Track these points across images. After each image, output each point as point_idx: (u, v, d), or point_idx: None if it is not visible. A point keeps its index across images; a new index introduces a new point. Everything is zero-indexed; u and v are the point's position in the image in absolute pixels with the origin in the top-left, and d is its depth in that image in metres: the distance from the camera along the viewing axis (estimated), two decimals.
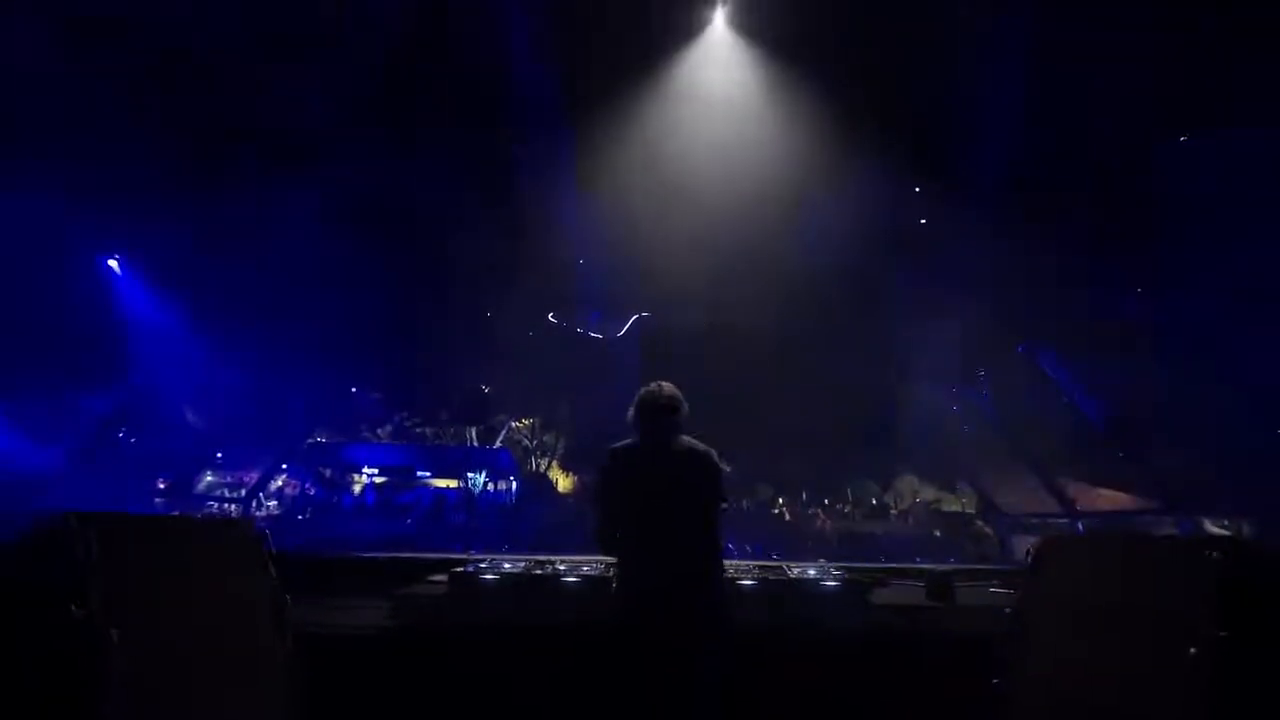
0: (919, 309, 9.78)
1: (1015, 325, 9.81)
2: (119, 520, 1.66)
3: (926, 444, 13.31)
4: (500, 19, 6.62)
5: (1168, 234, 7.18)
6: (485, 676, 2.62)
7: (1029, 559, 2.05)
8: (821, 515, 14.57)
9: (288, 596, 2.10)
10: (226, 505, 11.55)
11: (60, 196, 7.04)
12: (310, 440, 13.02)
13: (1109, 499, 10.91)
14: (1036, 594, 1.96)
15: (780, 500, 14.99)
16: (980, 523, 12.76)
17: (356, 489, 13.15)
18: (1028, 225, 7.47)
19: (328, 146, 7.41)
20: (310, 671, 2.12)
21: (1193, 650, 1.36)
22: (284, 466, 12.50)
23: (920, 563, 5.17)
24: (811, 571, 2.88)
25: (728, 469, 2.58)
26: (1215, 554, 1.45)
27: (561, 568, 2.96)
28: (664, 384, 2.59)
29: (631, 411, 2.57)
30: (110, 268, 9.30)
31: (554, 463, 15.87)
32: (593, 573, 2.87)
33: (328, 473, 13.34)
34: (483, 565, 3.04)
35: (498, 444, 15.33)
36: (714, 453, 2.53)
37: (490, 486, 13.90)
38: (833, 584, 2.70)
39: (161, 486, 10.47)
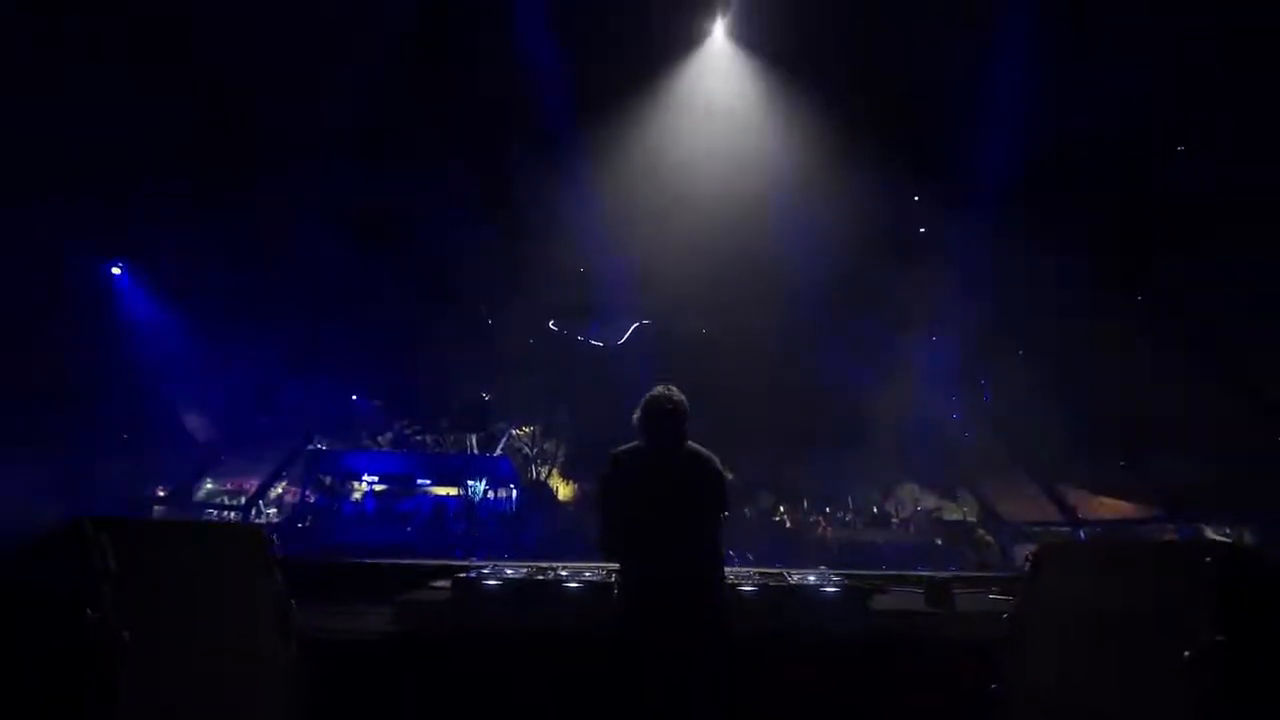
0: (919, 316, 9.82)
1: (1015, 330, 9.83)
2: (131, 524, 1.68)
3: (927, 451, 13.30)
4: (504, 29, 6.69)
5: (1167, 237, 7.22)
6: (488, 681, 2.63)
7: (1027, 565, 2.07)
8: (823, 523, 14.53)
9: (293, 601, 2.12)
10: (226, 513, 11.52)
11: (64, 203, 7.08)
12: (310, 447, 13.00)
13: (1110, 506, 10.90)
14: (1035, 600, 1.98)
15: (781, 508, 14.96)
16: (982, 531, 12.73)
17: (356, 496, 13.12)
18: (1026, 230, 7.53)
19: (330, 155, 7.47)
20: (315, 676, 2.13)
21: (1188, 655, 1.38)
22: (284, 474, 12.47)
23: (921, 570, 5.18)
24: (811, 578, 2.89)
25: (730, 476, 2.58)
26: (1211, 559, 1.47)
27: (564, 573, 2.97)
28: (671, 387, 2.59)
29: (638, 414, 2.56)
30: (114, 275, 9.34)
31: (554, 471, 15.84)
32: (595, 578, 2.87)
33: (328, 480, 13.30)
34: (485, 571, 3.05)
35: (498, 452, 15.31)
36: (717, 459, 2.53)
37: (490, 494, 13.86)
38: (832, 590, 2.71)
39: (161, 494, 10.45)
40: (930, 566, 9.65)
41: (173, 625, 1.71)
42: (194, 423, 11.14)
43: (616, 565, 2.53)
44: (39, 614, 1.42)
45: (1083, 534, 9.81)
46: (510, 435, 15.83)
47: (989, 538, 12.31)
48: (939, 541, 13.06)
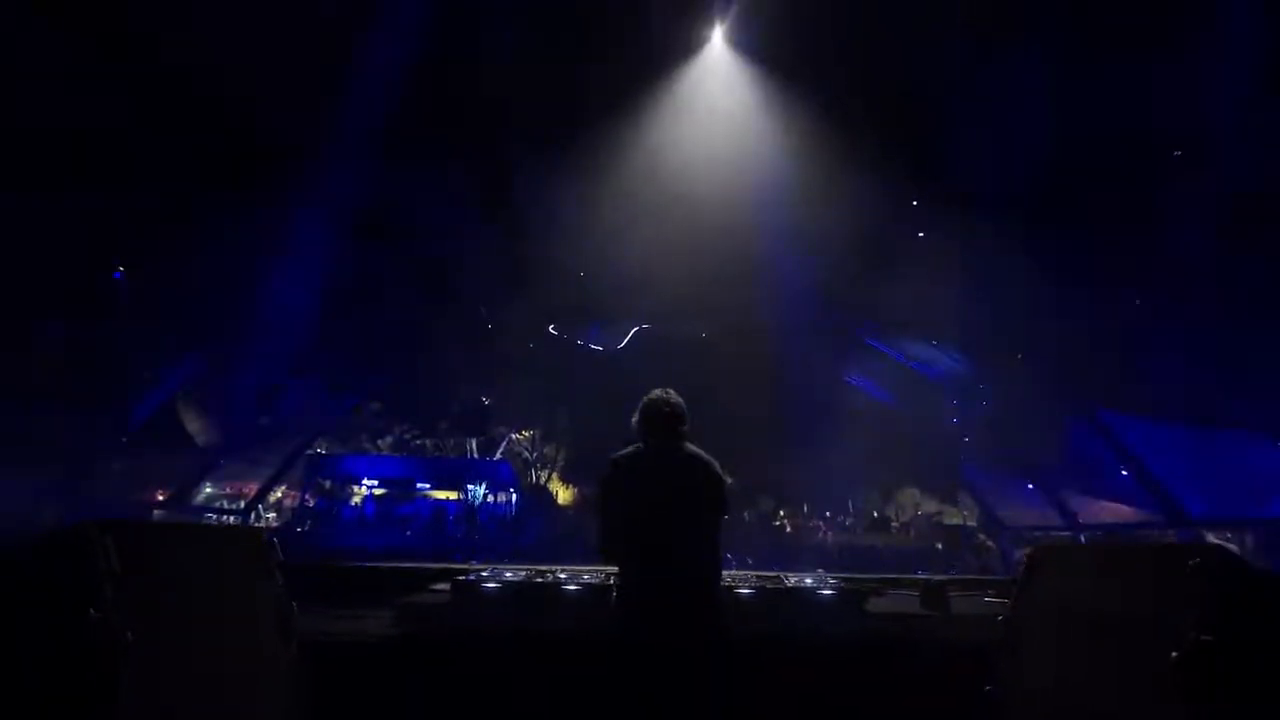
0: (918, 319, 9.85)
1: (1015, 335, 9.85)
2: (133, 526, 1.71)
3: (927, 452, 13.31)
4: (503, 36, 6.74)
5: (1166, 240, 7.25)
6: (488, 684, 2.64)
7: (1021, 567, 2.09)
8: (823, 527, 14.54)
9: (294, 604, 2.13)
10: (225, 517, 11.52)
11: (67, 207, 7.12)
12: (310, 451, 13.03)
13: (1110, 511, 10.90)
14: (1028, 602, 2.00)
15: (781, 512, 14.97)
16: (982, 536, 12.73)
17: (356, 500, 13.14)
18: (1026, 233, 7.56)
19: (330, 159, 7.51)
20: (315, 678, 2.15)
21: (1175, 656, 1.40)
22: (283, 478, 12.49)
23: (920, 574, 5.19)
24: (809, 581, 2.91)
25: (730, 480, 2.60)
26: (1198, 561, 1.49)
27: (562, 576, 2.99)
28: (669, 390, 2.60)
29: (635, 417, 2.57)
30: (115, 277, 9.36)
31: (554, 474, 15.86)
32: (593, 581, 2.89)
33: (327, 484, 13.32)
34: (484, 574, 3.07)
35: (498, 456, 15.33)
36: (715, 462, 2.54)
37: (490, 498, 13.88)
38: (829, 593, 2.72)
39: (160, 498, 10.45)
40: (930, 570, 9.65)
41: (174, 626, 1.72)
42: (194, 426, 11.15)
43: (615, 568, 2.54)
44: (41, 614, 1.44)
45: (1083, 538, 9.82)
46: (510, 439, 15.85)
47: (989, 542, 12.31)
48: (939, 546, 13.06)
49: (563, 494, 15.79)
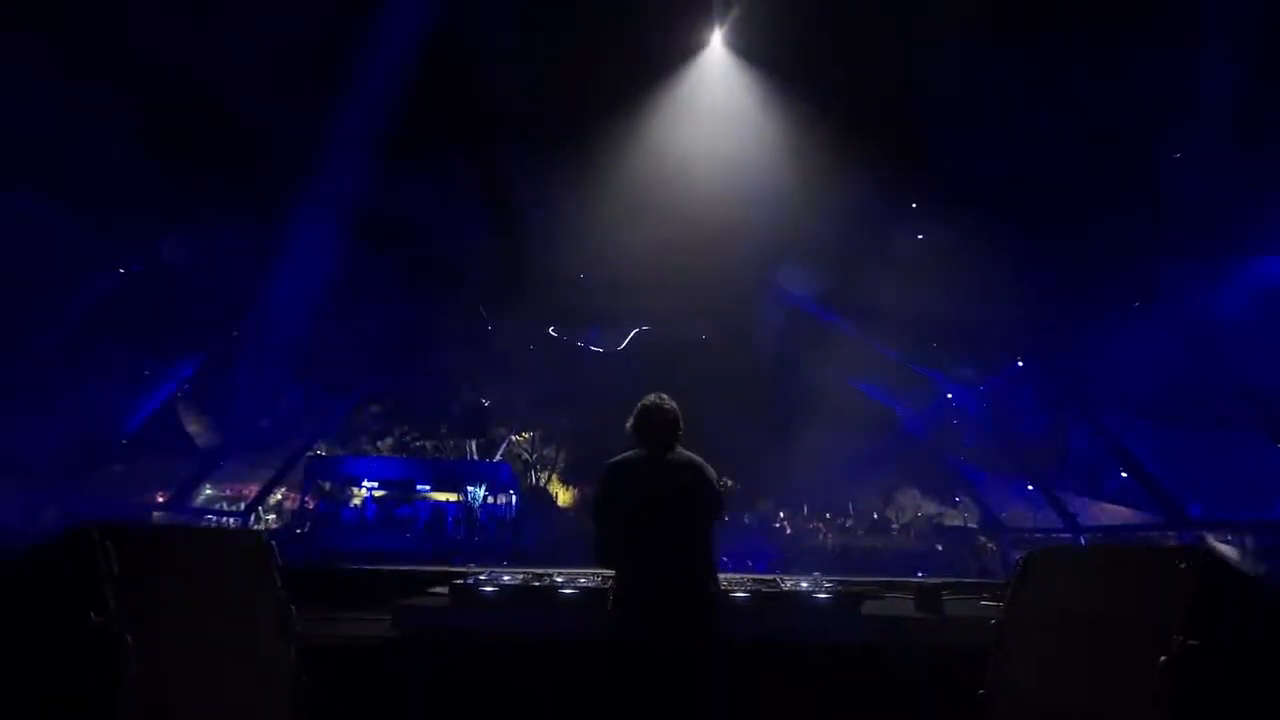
0: (917, 322, 9.85)
1: (1013, 336, 9.86)
2: (135, 530, 1.72)
3: (926, 456, 13.31)
4: (503, 38, 6.76)
5: (1165, 242, 7.26)
6: (485, 686, 2.65)
7: (1015, 571, 2.10)
8: (823, 529, 14.54)
9: (293, 606, 2.15)
10: (225, 519, 11.53)
11: (68, 209, 7.15)
12: (310, 453, 13.04)
13: (1110, 512, 10.91)
14: (1021, 605, 2.01)
15: (781, 514, 14.97)
16: (982, 537, 12.73)
17: (356, 502, 13.15)
18: (1024, 235, 7.57)
19: (331, 162, 7.53)
20: (314, 680, 2.16)
21: (1163, 660, 1.42)
22: (283, 480, 12.50)
23: (922, 576, 5.20)
24: (804, 584, 2.93)
25: (730, 483, 2.61)
26: (1186, 565, 1.51)
27: (559, 579, 3.01)
28: (663, 396, 2.63)
29: (630, 422, 2.60)
30: (115, 279, 9.38)
31: (554, 476, 15.87)
32: (590, 584, 2.91)
33: (327, 486, 13.33)
34: (482, 577, 3.09)
35: (498, 457, 15.35)
36: (709, 466, 2.57)
37: (490, 500, 13.89)
38: (824, 596, 2.74)
39: (160, 500, 10.47)
40: (930, 572, 9.64)
41: (174, 630, 1.74)
42: (194, 427, 11.17)
43: (611, 572, 2.56)
44: (42, 618, 1.46)
45: (1083, 539, 9.82)
46: (510, 441, 15.87)
47: (989, 544, 12.31)
48: (939, 547, 13.05)
49: (562, 496, 15.80)
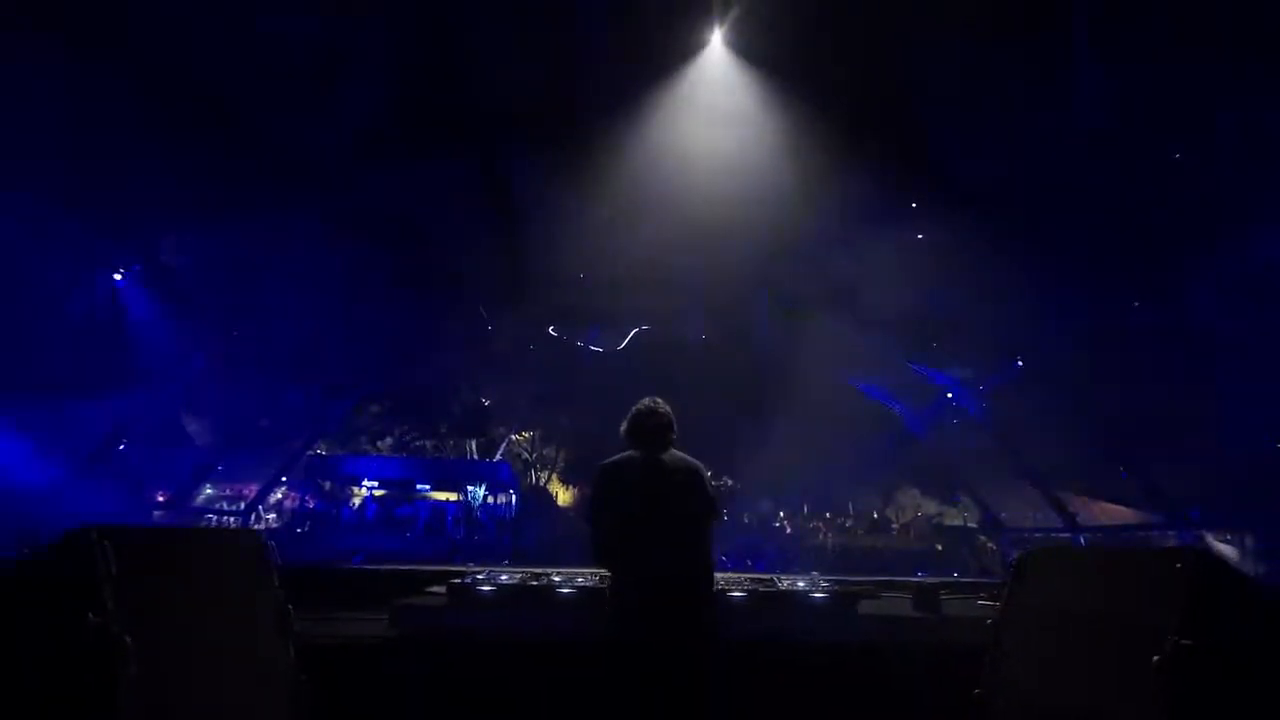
0: (917, 321, 9.85)
1: (1014, 336, 9.85)
2: (134, 532, 1.73)
3: (926, 455, 13.31)
4: (502, 40, 6.75)
5: (1165, 242, 7.26)
6: (483, 686, 2.66)
7: (1010, 571, 2.11)
8: (823, 528, 14.55)
9: (291, 606, 2.16)
10: (225, 518, 11.54)
11: (67, 208, 7.15)
12: (310, 453, 13.05)
13: (1111, 512, 10.91)
14: (1017, 605, 2.02)
15: (781, 513, 14.97)
16: (983, 537, 12.73)
17: (356, 502, 13.17)
18: (1025, 234, 7.56)
19: (331, 162, 7.53)
20: (313, 680, 2.17)
21: (1156, 659, 1.42)
22: (283, 479, 12.51)
23: (922, 575, 5.21)
24: (801, 584, 2.93)
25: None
26: (1181, 565, 1.51)
27: (557, 579, 3.01)
28: (657, 400, 2.65)
29: (624, 426, 2.62)
30: (115, 280, 9.40)
31: (554, 475, 15.88)
32: (588, 583, 2.91)
33: (327, 485, 13.35)
34: (480, 577, 3.09)
35: (497, 457, 15.36)
36: (704, 467, 2.58)
37: (490, 499, 13.90)
38: (821, 596, 2.74)
39: (161, 499, 10.49)
40: (930, 571, 9.66)
41: (173, 630, 1.75)
42: (194, 427, 11.18)
43: (608, 572, 2.57)
44: (41, 618, 1.47)
45: (1083, 539, 9.82)
46: (510, 440, 15.88)
47: (990, 543, 12.31)
48: (939, 547, 13.06)
49: (562, 495, 15.81)
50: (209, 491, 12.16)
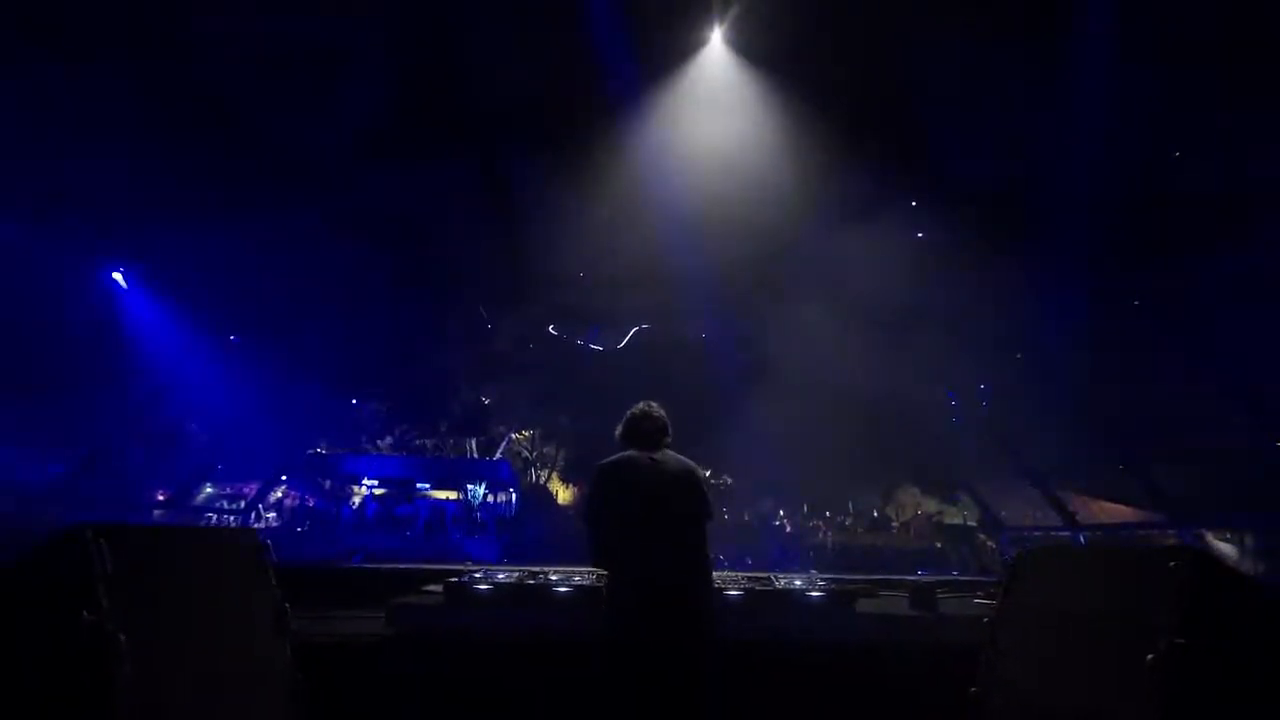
0: (917, 320, 9.84)
1: (1015, 336, 9.85)
2: (130, 531, 1.73)
3: (927, 456, 13.29)
4: (502, 40, 6.75)
5: (1164, 242, 7.25)
6: (480, 685, 2.67)
7: (1006, 570, 2.10)
8: (822, 526, 14.56)
9: (287, 605, 2.16)
10: (225, 517, 11.55)
11: (66, 208, 7.16)
12: (310, 452, 13.07)
13: (1111, 511, 10.90)
14: (1013, 604, 2.02)
15: (781, 512, 14.98)
16: (983, 535, 12.72)
17: (356, 501, 13.19)
18: (1024, 234, 7.56)
19: (331, 162, 7.53)
20: (309, 679, 2.18)
21: (1151, 658, 1.42)
22: (284, 478, 12.53)
23: (922, 574, 5.21)
24: (798, 582, 2.93)
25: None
26: (1176, 564, 1.51)
27: (554, 578, 3.02)
28: (652, 404, 2.67)
29: (620, 430, 2.64)
30: (115, 280, 9.41)
31: (554, 474, 15.90)
32: (584, 582, 2.92)
33: (327, 484, 13.37)
34: (476, 575, 3.10)
35: (498, 456, 15.37)
36: (699, 468, 2.60)
37: (490, 498, 13.92)
38: (818, 595, 2.74)
39: (161, 498, 10.50)
40: (930, 570, 9.65)
41: (169, 628, 1.75)
42: (194, 426, 11.19)
43: (605, 570, 2.58)
44: (35, 617, 1.47)
45: (1082, 538, 9.81)
46: (510, 439, 15.89)
47: (990, 542, 12.31)
48: (939, 545, 13.06)
49: (562, 493, 15.82)
50: (209, 491, 12.18)
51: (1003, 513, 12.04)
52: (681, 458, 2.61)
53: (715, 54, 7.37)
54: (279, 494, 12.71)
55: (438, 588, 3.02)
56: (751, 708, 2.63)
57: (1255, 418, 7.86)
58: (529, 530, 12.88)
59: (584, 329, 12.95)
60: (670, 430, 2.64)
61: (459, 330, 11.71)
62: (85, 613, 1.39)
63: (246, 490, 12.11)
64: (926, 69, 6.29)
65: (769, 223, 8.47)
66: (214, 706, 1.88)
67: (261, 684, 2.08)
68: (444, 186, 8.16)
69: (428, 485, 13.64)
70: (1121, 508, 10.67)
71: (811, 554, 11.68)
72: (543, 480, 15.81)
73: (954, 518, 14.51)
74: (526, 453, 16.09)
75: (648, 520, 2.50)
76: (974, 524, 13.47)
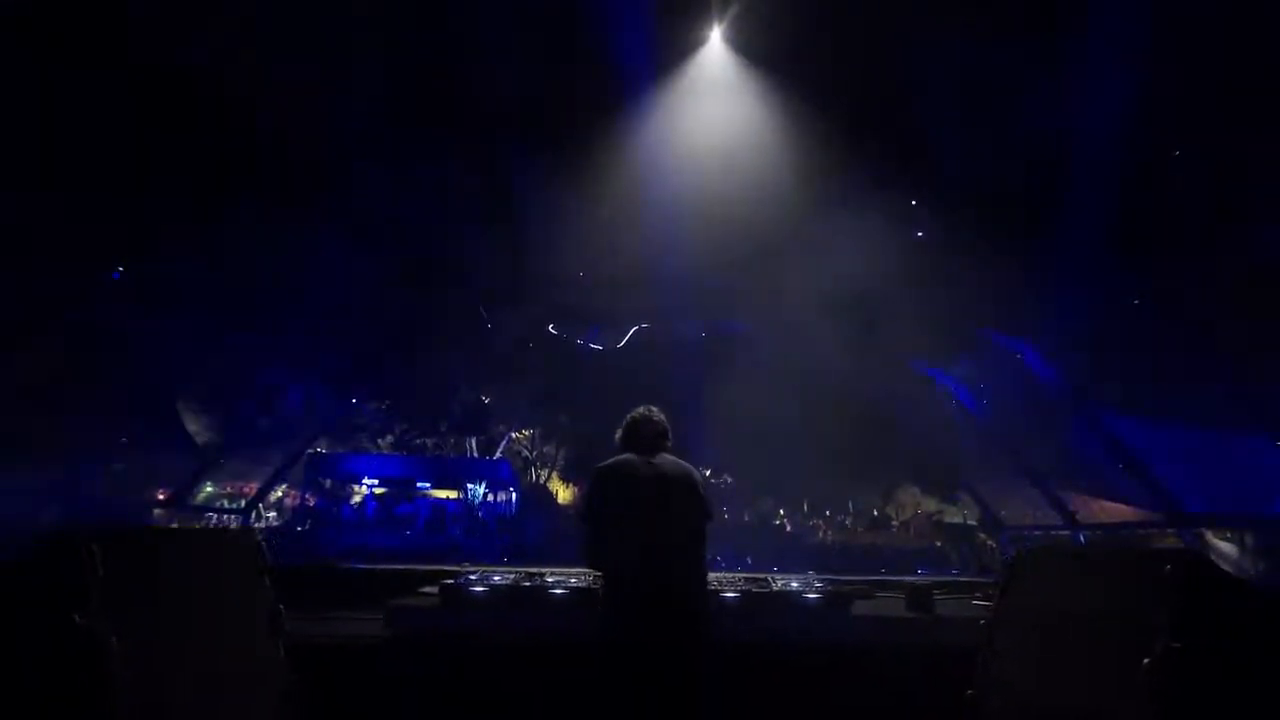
0: (918, 321, 9.84)
1: (1015, 336, 9.84)
2: (122, 531, 1.73)
3: (927, 455, 13.29)
4: (499, 38, 6.74)
5: (1164, 241, 7.23)
6: (475, 686, 2.67)
7: (1004, 571, 2.10)
8: (822, 526, 14.57)
9: (282, 606, 2.16)
10: (226, 516, 11.56)
11: (65, 208, 7.16)
12: (310, 451, 13.07)
13: (1111, 511, 10.88)
14: (1010, 605, 2.01)
15: (781, 512, 15.00)
16: (983, 535, 12.72)
17: (356, 500, 13.20)
18: (1025, 236, 7.54)
19: (330, 161, 7.53)
20: (305, 680, 2.17)
21: (1147, 661, 1.42)
22: (284, 477, 12.53)
23: (921, 573, 5.21)
24: (795, 584, 2.93)
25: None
26: (1171, 566, 1.51)
27: (550, 579, 3.01)
28: (652, 408, 2.67)
29: (619, 434, 2.64)
30: (113, 280, 9.40)
31: (554, 473, 15.91)
32: (580, 584, 2.92)
33: (328, 483, 13.38)
34: (472, 577, 3.10)
35: (498, 455, 15.39)
36: (697, 470, 2.60)
37: (490, 497, 13.93)
38: (814, 596, 2.74)
39: (160, 498, 10.51)
40: (930, 570, 9.65)
41: (163, 630, 1.75)
42: (194, 425, 11.19)
43: (601, 572, 2.58)
44: (26, 620, 1.47)
45: (1082, 537, 9.80)
46: (510, 438, 15.91)
47: (989, 541, 12.30)
48: (939, 544, 13.06)
49: (562, 493, 15.83)
50: (209, 490, 12.19)
51: (1003, 512, 12.04)
52: (680, 461, 2.61)
53: (715, 53, 7.37)
54: (279, 493, 12.72)
55: (434, 589, 3.02)
56: (747, 710, 2.63)
57: (1255, 418, 7.85)
58: (529, 529, 12.89)
59: (584, 329, 12.95)
60: (670, 434, 2.64)
61: (459, 330, 11.70)
62: (77, 616, 1.39)
63: (246, 490, 12.12)
64: (926, 68, 6.27)
65: (770, 222, 8.47)
66: (209, 707, 1.88)
67: (256, 685, 2.08)
68: (444, 187, 8.16)
69: (428, 484, 13.65)
70: (1122, 507, 10.65)
71: (811, 553, 11.67)
72: (543, 480, 15.82)
73: (954, 517, 14.51)
74: (526, 452, 16.10)
75: (644, 523, 2.50)
76: (974, 523, 13.48)
